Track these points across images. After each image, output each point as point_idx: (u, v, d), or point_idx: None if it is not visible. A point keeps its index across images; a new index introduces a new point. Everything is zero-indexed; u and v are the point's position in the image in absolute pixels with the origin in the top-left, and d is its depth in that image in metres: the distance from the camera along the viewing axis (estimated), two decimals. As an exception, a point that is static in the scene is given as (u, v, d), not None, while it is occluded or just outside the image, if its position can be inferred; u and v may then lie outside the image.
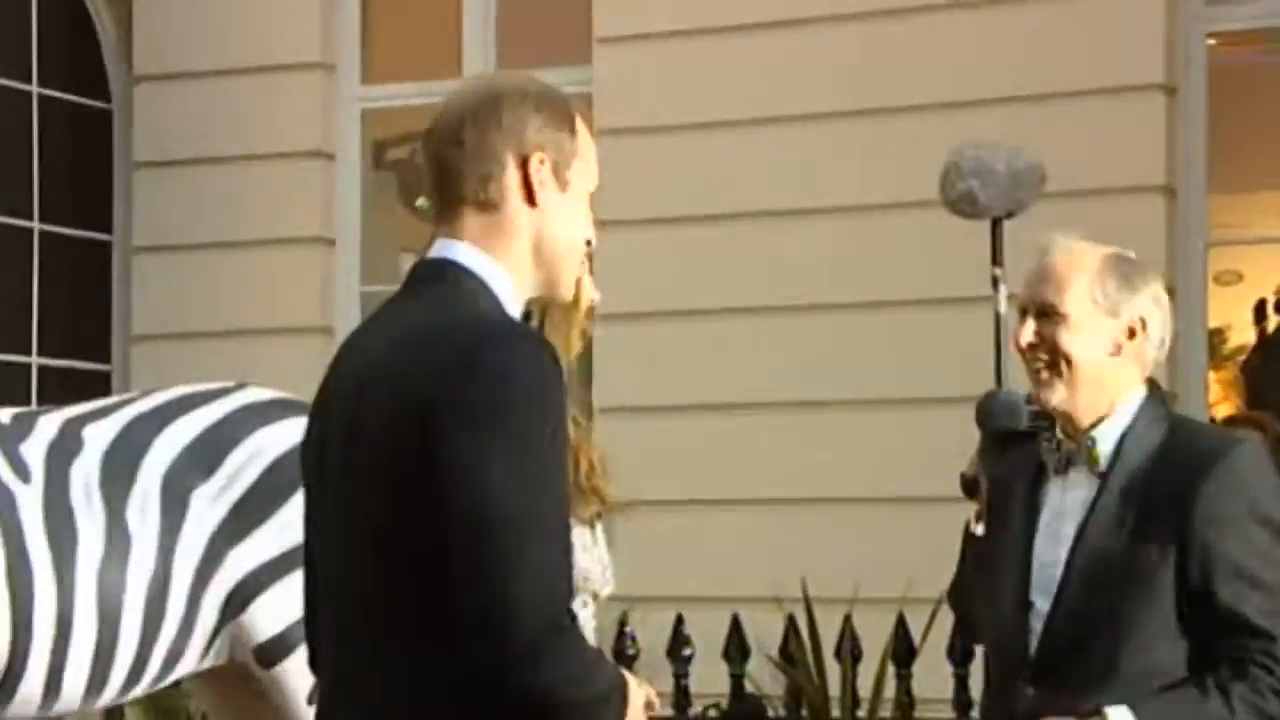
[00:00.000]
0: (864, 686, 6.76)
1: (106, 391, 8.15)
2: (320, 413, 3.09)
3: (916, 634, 6.60)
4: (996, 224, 5.50)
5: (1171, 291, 7.25)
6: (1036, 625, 3.80)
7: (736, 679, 6.78)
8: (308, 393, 7.66)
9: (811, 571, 6.92)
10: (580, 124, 3.13)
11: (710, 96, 7.90)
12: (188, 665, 5.15)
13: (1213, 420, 7.94)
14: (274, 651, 5.06)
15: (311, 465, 3.09)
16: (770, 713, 6.82)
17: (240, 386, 5.34)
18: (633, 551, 7.71)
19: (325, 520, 3.04)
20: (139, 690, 5.18)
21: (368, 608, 2.93)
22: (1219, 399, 8.89)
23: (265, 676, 5.09)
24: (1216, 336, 9.04)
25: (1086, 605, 3.80)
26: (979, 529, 4.45)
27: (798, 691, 6.83)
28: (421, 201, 10.29)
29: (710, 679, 6.83)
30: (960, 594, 4.25)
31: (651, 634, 6.88)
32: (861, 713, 6.72)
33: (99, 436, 5.14)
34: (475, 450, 2.81)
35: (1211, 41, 7.60)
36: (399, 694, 2.88)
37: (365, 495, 2.92)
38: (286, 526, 5.05)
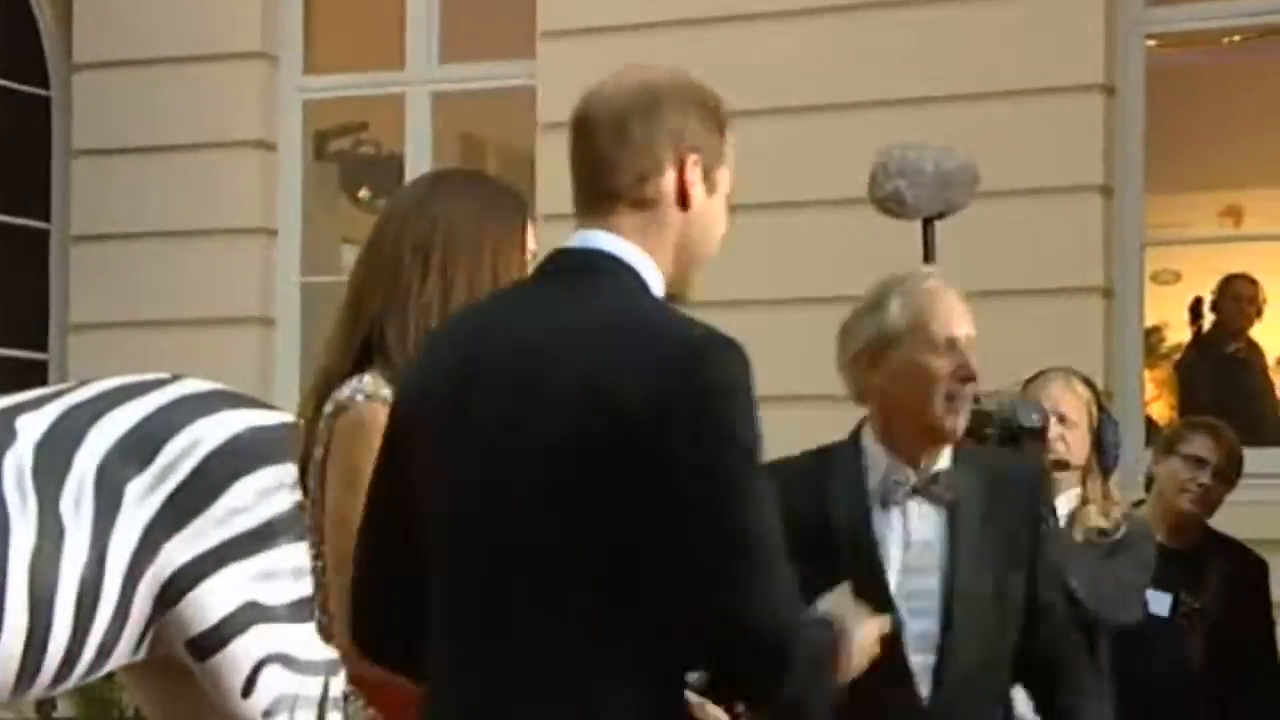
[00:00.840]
0: None
1: (44, 381, 8.08)
2: (446, 385, 2.99)
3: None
4: (928, 223, 5.51)
5: (1108, 291, 7.33)
6: (915, 658, 3.81)
7: None
8: (248, 384, 7.69)
9: None
10: (729, 126, 3.17)
11: None
12: (121, 657, 5.10)
13: (1149, 420, 7.96)
14: (208, 644, 5.02)
15: (431, 438, 2.99)
16: None
17: (177, 378, 5.29)
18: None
19: (449, 497, 2.96)
20: (71, 682, 5.13)
21: (539, 612, 2.89)
22: (1154, 397, 8.90)
23: (199, 669, 5.04)
24: (1153, 335, 9.06)
25: (974, 636, 3.85)
26: None
27: None
28: (364, 193, 10.26)
29: None
30: None
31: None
32: None
33: (33, 426, 5.09)
34: (718, 462, 2.82)
35: (1151, 43, 7.60)
36: (573, 675, 2.87)
37: (545, 497, 2.88)
38: (224, 518, 5.01)
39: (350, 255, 10.07)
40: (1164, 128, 7.66)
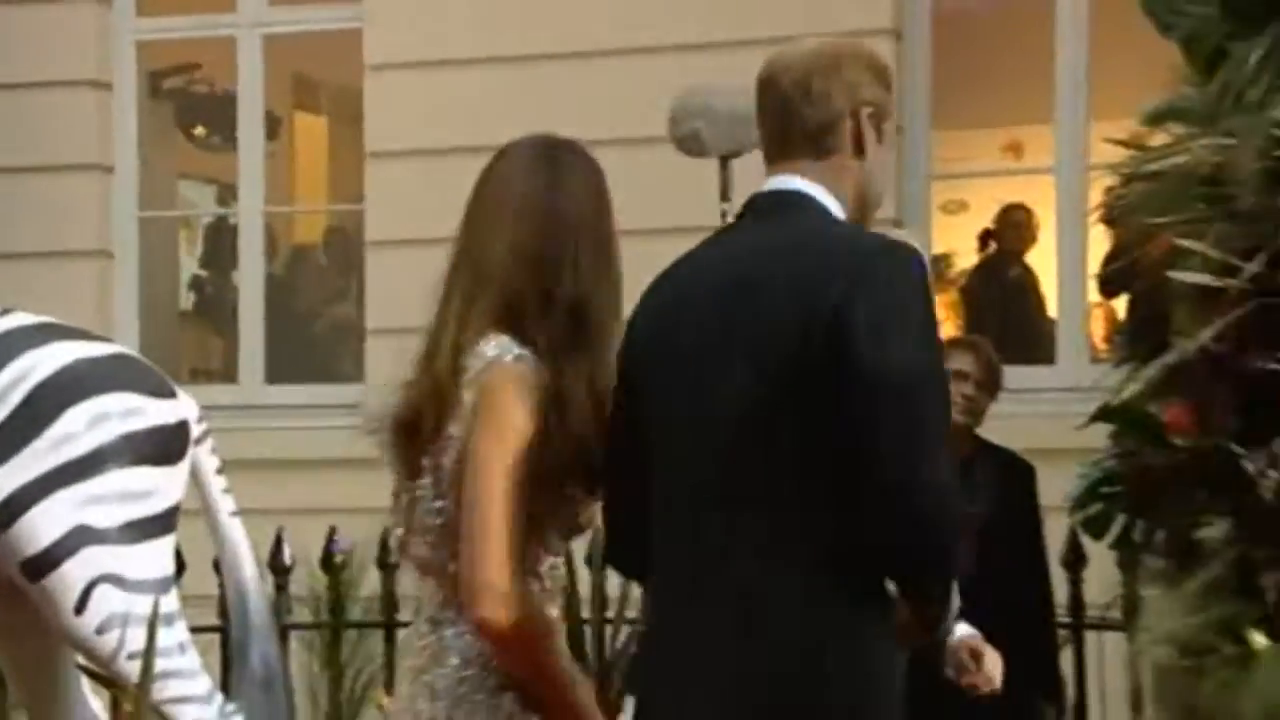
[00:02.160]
0: (611, 588, 6.78)
1: (-115, 312, 7.97)
2: (667, 327, 3.36)
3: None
4: (724, 162, 5.58)
5: (898, 221, 7.45)
6: None
7: None
8: (87, 316, 7.58)
9: None
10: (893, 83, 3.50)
11: (474, 34, 7.92)
12: (-43, 578, 5.06)
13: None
14: (40, 566, 4.97)
15: (658, 354, 3.35)
16: None
17: (7, 311, 5.22)
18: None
19: (677, 403, 3.28)
20: (-89, 602, 5.08)
21: (754, 504, 3.19)
22: (943, 319, 9.07)
23: (33, 589, 5.00)
24: (942, 262, 9.23)
25: None
26: None
27: None
28: (199, 130, 10.20)
29: None
30: None
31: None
32: (610, 612, 6.75)
33: None
34: (891, 364, 3.11)
35: None
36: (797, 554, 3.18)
37: (759, 396, 3.18)
38: (53, 446, 4.96)
39: (187, 190, 10.09)
40: (949, 70, 7.82)
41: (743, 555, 3.20)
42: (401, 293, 7.75)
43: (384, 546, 6.81)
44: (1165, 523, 5.04)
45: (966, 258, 9.62)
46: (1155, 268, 5.10)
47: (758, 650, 3.19)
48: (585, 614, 6.75)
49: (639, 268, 8.03)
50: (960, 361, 5.90)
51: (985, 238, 9.45)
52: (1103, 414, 5.15)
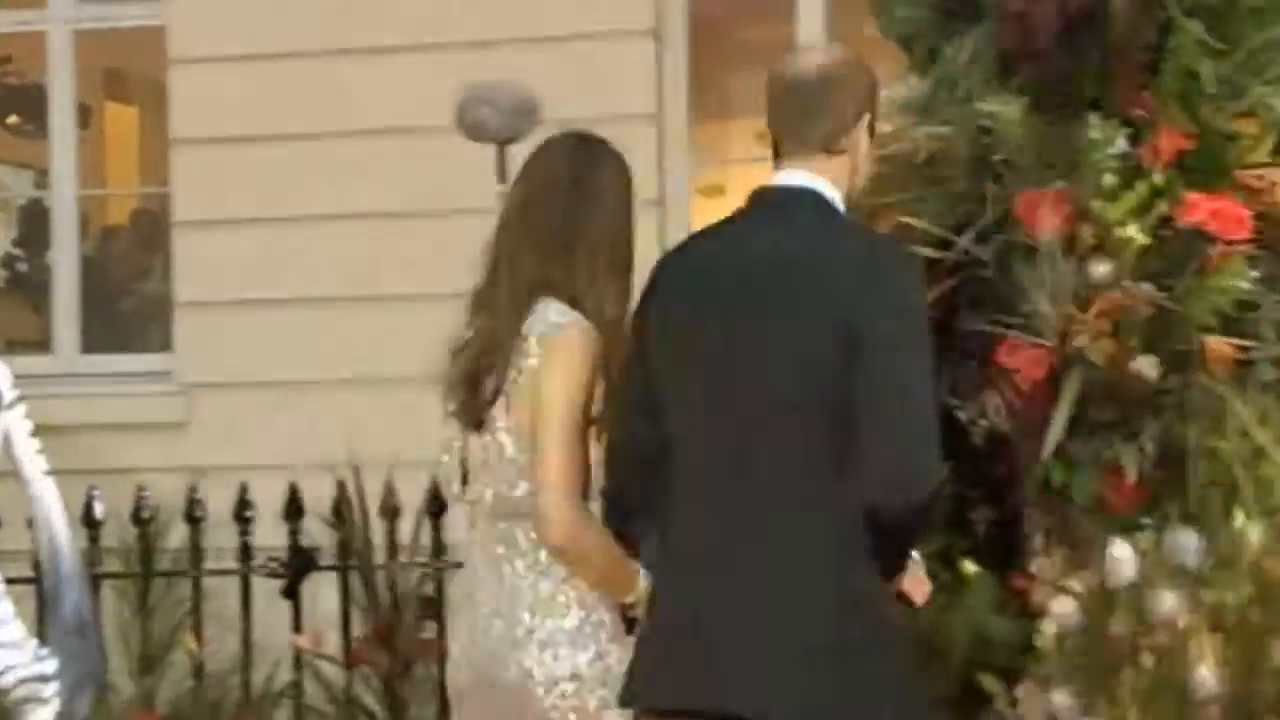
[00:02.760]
0: (404, 535, 6.94)
1: None
2: (689, 295, 3.52)
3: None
4: (502, 149, 5.76)
5: (661, 201, 7.69)
6: None
7: (294, 535, 6.90)
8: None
9: (357, 442, 7.05)
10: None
11: (272, 30, 7.95)
12: None
13: None
14: None
15: (677, 338, 3.52)
16: (323, 561, 6.95)
17: None
18: (201, 429, 7.87)
19: (701, 400, 3.46)
20: None
21: (771, 468, 3.40)
22: None
23: None
24: None
25: None
26: None
27: (347, 544, 6.96)
28: (13, 119, 10.13)
29: (273, 537, 6.95)
30: None
31: (220, 500, 6.98)
32: (402, 558, 6.89)
33: None
34: (895, 353, 3.37)
35: None
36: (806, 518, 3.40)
37: (774, 377, 3.40)
38: None
39: (4, 175, 10.02)
40: (705, 67, 7.96)
41: (771, 516, 3.41)
42: (206, 268, 7.93)
43: (190, 500, 6.95)
44: (891, 466, 5.33)
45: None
46: (883, 242, 5.47)
47: (792, 591, 3.39)
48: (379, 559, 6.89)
49: (423, 247, 8.23)
50: None
51: (741, 219, 9.59)
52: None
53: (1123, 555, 4.59)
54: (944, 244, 5.01)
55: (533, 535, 3.72)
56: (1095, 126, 4.77)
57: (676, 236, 7.70)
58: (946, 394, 4.90)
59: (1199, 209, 4.74)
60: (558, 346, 3.70)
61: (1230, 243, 4.77)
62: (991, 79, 5.06)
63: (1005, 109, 4.96)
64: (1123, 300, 4.71)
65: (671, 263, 3.68)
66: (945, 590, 4.87)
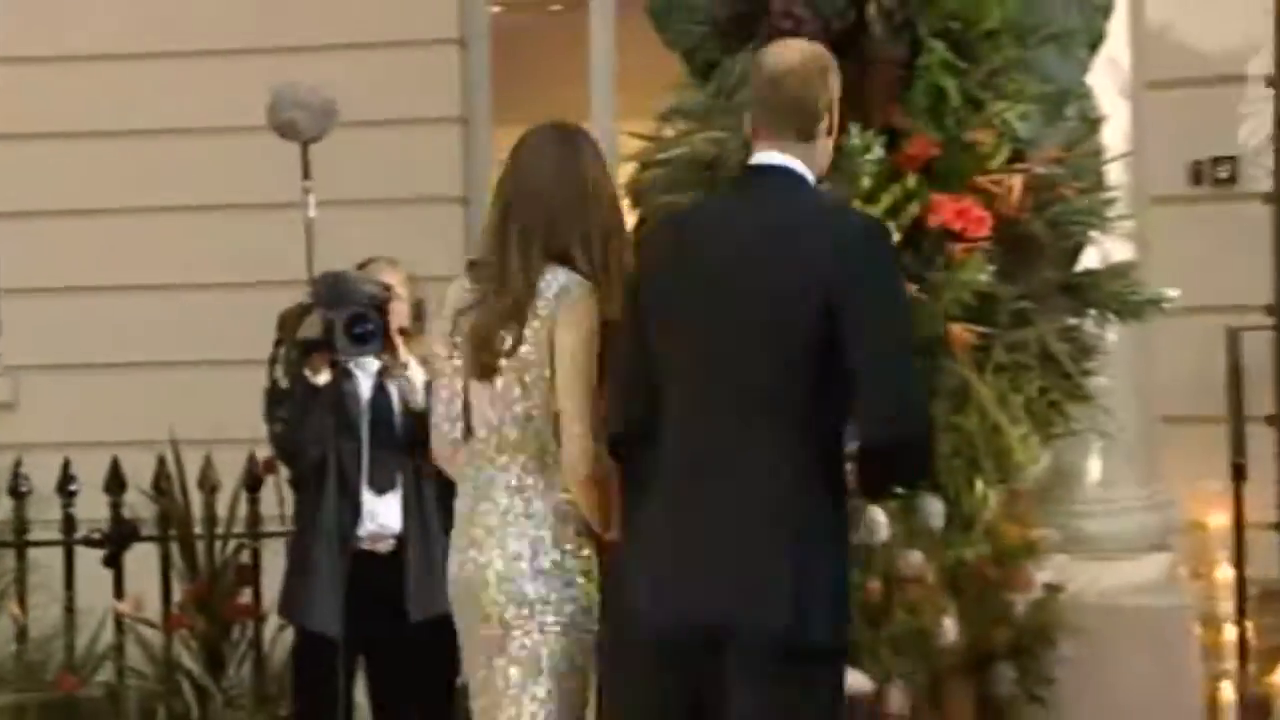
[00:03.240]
0: (221, 508, 6.94)
1: None
2: (676, 272, 3.79)
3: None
4: (306, 147, 5.85)
5: (465, 200, 7.80)
6: None
7: (115, 507, 6.87)
8: None
9: (177, 420, 7.07)
10: None
11: (91, 32, 7.94)
12: None
13: None
14: None
15: (667, 307, 3.77)
16: (144, 533, 6.93)
17: None
18: (29, 409, 7.89)
19: (698, 353, 3.72)
20: None
21: (760, 393, 3.65)
22: None
23: None
24: None
25: None
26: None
27: (167, 516, 6.94)
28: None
29: (96, 510, 6.91)
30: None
31: (44, 475, 7.00)
32: (219, 530, 6.91)
33: None
34: (876, 306, 3.62)
35: (495, 9, 8.04)
36: (789, 453, 3.64)
37: (769, 331, 3.65)
38: None
39: None
40: (507, 72, 8.03)
41: (753, 448, 3.65)
42: (29, 257, 7.90)
43: (15, 475, 6.92)
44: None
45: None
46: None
47: (763, 519, 3.63)
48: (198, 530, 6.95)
49: (227, 241, 8.18)
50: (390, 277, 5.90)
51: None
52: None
53: (878, 519, 4.84)
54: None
55: (530, 473, 4.02)
56: (855, 135, 4.93)
57: (479, 230, 7.87)
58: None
59: (945, 210, 4.97)
60: (573, 307, 3.99)
61: (972, 240, 5.01)
62: (764, 90, 5.26)
63: (776, 118, 5.18)
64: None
65: (669, 226, 4.08)
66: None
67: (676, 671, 3.67)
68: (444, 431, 4.16)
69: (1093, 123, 5.39)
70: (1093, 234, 5.30)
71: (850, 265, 3.65)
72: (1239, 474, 6.69)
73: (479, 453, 4.09)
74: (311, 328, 5.24)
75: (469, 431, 4.10)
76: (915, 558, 4.87)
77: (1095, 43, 5.46)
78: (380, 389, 5.38)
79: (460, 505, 4.15)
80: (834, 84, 3.91)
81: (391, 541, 5.35)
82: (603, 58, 7.79)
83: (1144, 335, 5.87)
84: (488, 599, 4.02)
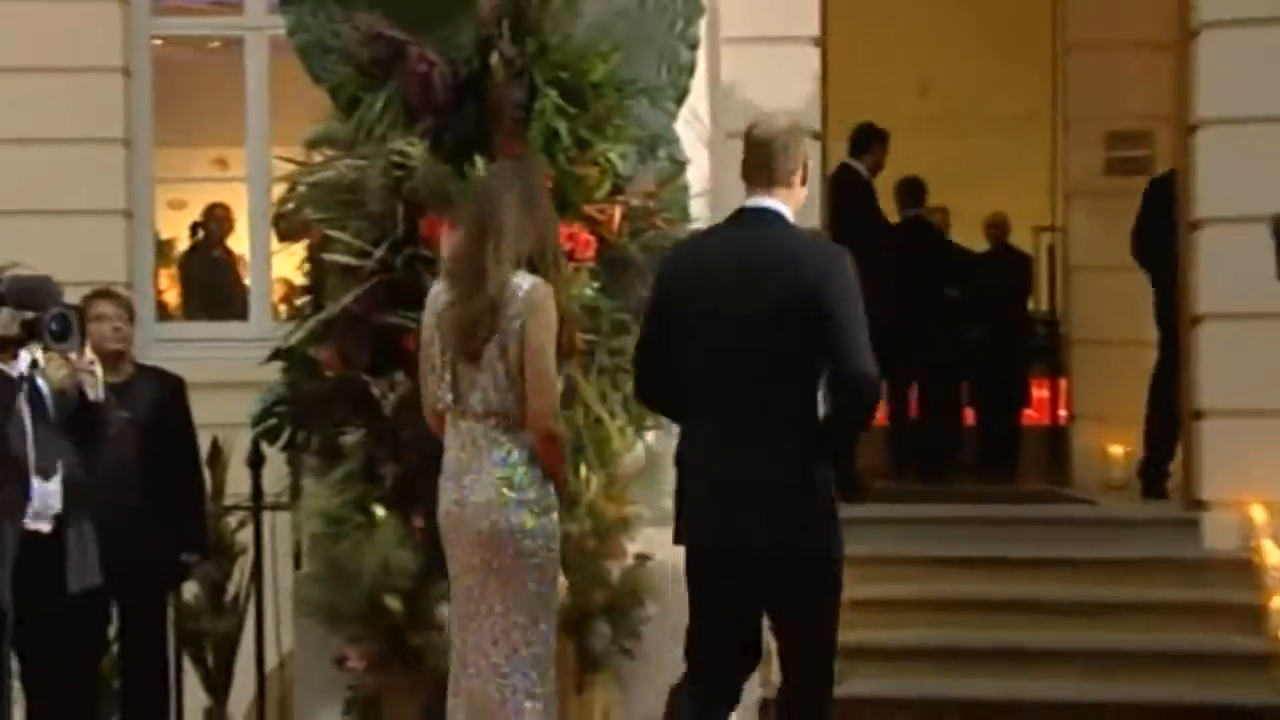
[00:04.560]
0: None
1: None
2: (697, 280, 4.41)
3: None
4: None
5: (130, 213, 7.66)
6: None
7: None
8: None
9: None
10: None
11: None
12: None
13: (161, 304, 8.29)
14: None
15: (690, 305, 4.38)
16: None
17: None
18: None
19: (715, 337, 4.33)
20: None
21: (761, 381, 4.29)
22: (167, 288, 9.20)
23: None
24: (167, 245, 9.37)
25: None
26: None
27: None
28: None
29: None
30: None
31: None
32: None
33: None
34: (845, 309, 4.24)
35: (157, 41, 7.92)
36: (784, 424, 4.30)
37: (768, 325, 4.27)
38: None
39: None
40: (170, 101, 7.93)
41: (763, 413, 4.30)
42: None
43: None
44: (318, 432, 5.39)
45: (184, 242, 9.76)
46: (313, 251, 5.44)
47: (773, 467, 4.29)
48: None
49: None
50: (106, 308, 5.89)
51: (196, 227, 9.59)
52: (277, 354, 5.50)
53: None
54: (363, 254, 5.26)
55: (509, 430, 4.53)
56: (481, 166, 5.09)
57: (143, 241, 7.82)
58: (363, 373, 5.23)
59: (560, 234, 5.17)
60: (540, 304, 4.49)
61: (580, 260, 5.20)
62: (400, 124, 5.31)
63: (412, 149, 5.22)
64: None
65: (681, 252, 4.62)
66: (360, 530, 5.16)
67: (733, 579, 4.38)
68: (437, 398, 4.60)
69: (680, 164, 5.66)
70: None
71: (831, 282, 4.27)
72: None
73: (466, 413, 4.56)
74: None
75: (458, 399, 4.55)
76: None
77: (680, 97, 5.74)
78: (34, 381, 5.18)
79: (449, 454, 4.60)
80: (805, 145, 4.52)
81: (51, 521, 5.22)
82: (257, 90, 7.77)
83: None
84: (478, 526, 4.50)
